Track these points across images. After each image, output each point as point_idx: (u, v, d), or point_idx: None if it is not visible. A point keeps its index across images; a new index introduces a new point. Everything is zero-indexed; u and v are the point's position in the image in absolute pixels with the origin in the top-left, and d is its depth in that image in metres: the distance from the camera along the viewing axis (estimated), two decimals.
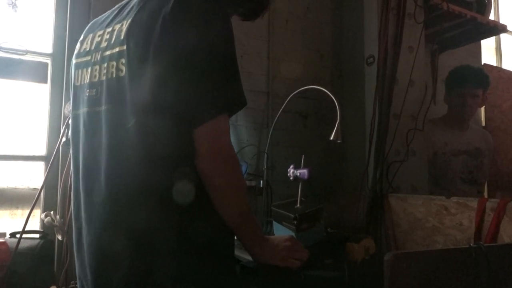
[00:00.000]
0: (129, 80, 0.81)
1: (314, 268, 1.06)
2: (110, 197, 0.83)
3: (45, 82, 1.74)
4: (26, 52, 1.67)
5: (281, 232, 1.27)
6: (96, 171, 0.85)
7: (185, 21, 0.78)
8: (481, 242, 1.05)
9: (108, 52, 0.86)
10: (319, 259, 1.12)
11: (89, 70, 0.91)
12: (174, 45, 0.77)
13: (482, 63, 2.88)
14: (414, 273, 0.90)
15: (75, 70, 0.98)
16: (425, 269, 0.91)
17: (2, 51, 1.63)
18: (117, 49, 0.84)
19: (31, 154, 1.71)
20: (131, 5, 0.89)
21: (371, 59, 2.04)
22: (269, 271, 0.99)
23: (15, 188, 1.67)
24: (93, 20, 1.02)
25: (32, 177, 1.71)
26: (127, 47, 0.82)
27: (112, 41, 0.86)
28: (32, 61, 1.72)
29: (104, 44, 0.89)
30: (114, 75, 0.84)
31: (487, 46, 3.21)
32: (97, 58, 0.89)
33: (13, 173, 1.68)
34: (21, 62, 1.69)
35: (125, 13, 0.89)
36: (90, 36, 0.96)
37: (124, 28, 0.84)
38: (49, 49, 1.75)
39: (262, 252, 0.96)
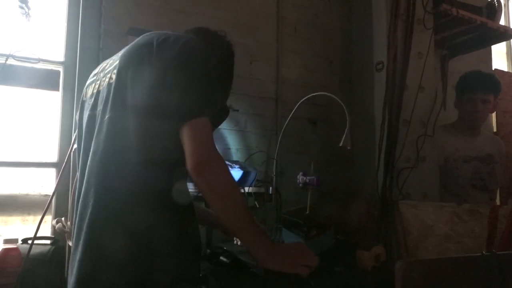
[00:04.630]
0: (114, 85, 0.91)
1: (324, 275, 1.05)
2: (106, 198, 0.86)
3: (57, 89, 1.77)
4: (39, 60, 1.70)
5: (291, 239, 1.27)
6: (96, 174, 0.91)
7: (168, 51, 0.90)
8: (494, 250, 1.03)
9: (108, 69, 0.99)
10: (329, 267, 1.12)
11: (93, 85, 1.04)
12: (160, 61, 0.89)
13: (493, 69, 2.86)
14: (426, 281, 0.89)
15: (85, 89, 1.11)
16: (437, 277, 0.90)
17: (16, 59, 1.66)
18: (114, 64, 0.96)
19: (43, 160, 1.74)
20: (132, 43, 1.01)
21: (380, 65, 2.03)
22: (278, 278, 0.99)
23: (27, 195, 1.69)
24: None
25: (44, 183, 1.72)
26: (119, 61, 0.94)
27: (113, 64, 0.98)
28: (44, 69, 1.75)
29: (107, 67, 1.01)
30: (106, 83, 0.95)
31: (498, 51, 3.19)
32: (100, 76, 1.02)
33: (25, 180, 1.70)
34: (33, 70, 1.72)
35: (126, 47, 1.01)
36: (100, 66, 1.10)
37: (121, 54, 0.98)
38: (61, 57, 1.78)
39: (270, 257, 0.96)
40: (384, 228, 1.77)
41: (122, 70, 0.91)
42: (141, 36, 1.00)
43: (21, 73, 1.69)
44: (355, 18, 2.39)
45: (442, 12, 2.05)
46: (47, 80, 1.76)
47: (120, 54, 0.99)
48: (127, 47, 0.98)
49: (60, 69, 1.78)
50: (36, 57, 1.69)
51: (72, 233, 0.97)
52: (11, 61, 1.64)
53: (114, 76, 0.92)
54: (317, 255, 1.05)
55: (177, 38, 0.92)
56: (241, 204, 0.91)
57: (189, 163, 0.83)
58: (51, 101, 1.77)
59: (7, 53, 1.62)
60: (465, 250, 1.41)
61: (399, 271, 0.86)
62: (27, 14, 1.65)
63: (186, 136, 0.84)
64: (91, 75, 1.12)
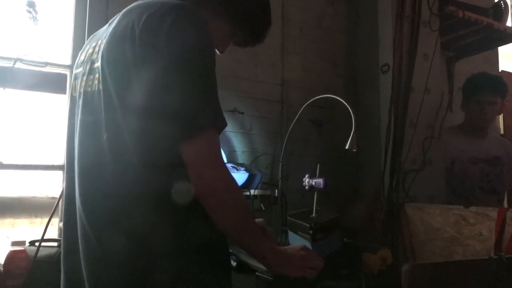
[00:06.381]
0: (103, 93, 0.83)
1: (330, 278, 1.05)
2: (82, 196, 0.86)
3: (64, 92, 1.78)
4: (46, 64, 1.72)
5: (297, 241, 1.27)
6: (95, 177, 0.87)
7: (155, 38, 0.79)
8: (502, 253, 1.02)
9: (95, 64, 0.89)
10: (335, 270, 1.11)
11: (80, 80, 0.94)
12: (144, 62, 0.78)
13: (500, 70, 2.84)
14: (432, 285, 0.89)
15: (73, 80, 1.01)
16: (444, 281, 0.90)
17: (23, 63, 1.67)
18: (99, 62, 0.86)
19: (50, 163, 1.75)
20: (116, 19, 0.91)
21: (386, 67, 2.03)
22: (285, 282, 0.99)
23: (34, 197, 1.70)
24: (95, 32, 1.05)
25: (51, 186, 1.73)
26: (101, 61, 0.85)
27: (98, 54, 0.89)
28: (52, 73, 1.77)
29: (94, 56, 0.91)
30: (96, 88, 0.87)
31: (505, 53, 3.17)
32: (86, 69, 0.92)
33: (32, 182, 1.71)
34: (40, 73, 1.73)
35: (111, 26, 0.91)
36: (87, 47, 0.99)
37: (104, 41, 0.87)
38: (67, 61, 1.79)
39: (276, 262, 0.95)
40: (390, 231, 1.76)
41: (106, 72, 0.83)
42: (121, 15, 0.88)
43: (28, 76, 1.70)
44: (360, 20, 2.39)
45: (448, 13, 2.05)
46: (54, 83, 1.77)
47: (102, 47, 0.86)
48: (109, 34, 0.86)
49: (67, 72, 1.79)
50: (43, 60, 1.71)
51: (67, 236, 0.96)
52: (19, 65, 1.66)
53: (101, 79, 0.84)
54: (324, 258, 1.05)
55: (161, 19, 0.79)
56: (250, 222, 0.89)
57: (194, 186, 0.79)
58: (58, 104, 1.78)
59: (15, 57, 1.64)
60: (472, 253, 1.40)
61: (405, 274, 0.86)
62: (35, 18, 1.67)
63: (189, 154, 0.78)
64: (78, 62, 1.00)
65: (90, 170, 0.87)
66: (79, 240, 0.87)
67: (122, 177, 0.82)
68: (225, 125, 0.85)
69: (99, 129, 0.84)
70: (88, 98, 0.89)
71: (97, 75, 0.87)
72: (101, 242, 0.83)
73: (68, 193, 0.96)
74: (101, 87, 0.84)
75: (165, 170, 0.80)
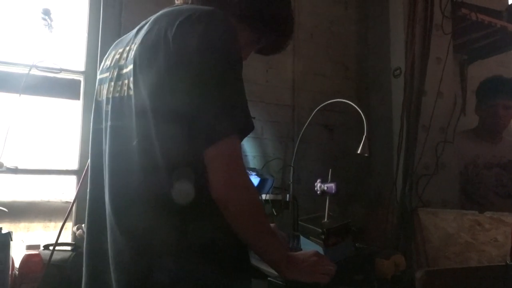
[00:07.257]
0: (134, 99, 0.84)
1: (343, 284, 1.04)
2: (112, 199, 0.87)
3: (78, 98, 1.81)
4: (60, 70, 1.74)
5: (308, 246, 1.26)
6: (125, 181, 0.88)
7: (188, 44, 0.80)
8: None
9: (124, 70, 0.90)
10: (348, 275, 1.11)
11: (107, 86, 0.96)
12: (176, 68, 0.80)
13: None
14: None
15: (98, 85, 1.02)
16: (459, 287, 0.89)
17: (38, 69, 1.70)
18: (129, 68, 0.87)
19: (64, 168, 1.77)
20: (145, 25, 0.92)
21: (398, 71, 2.02)
22: (298, 287, 0.98)
23: (48, 201, 1.72)
24: (120, 38, 1.06)
25: (65, 190, 1.76)
26: (133, 66, 0.85)
27: (127, 60, 0.90)
28: (66, 79, 1.79)
29: (122, 62, 0.93)
30: (125, 93, 0.88)
31: None
32: (114, 75, 0.93)
33: (47, 187, 1.74)
34: (55, 80, 1.76)
35: (140, 33, 0.92)
36: (113, 53, 1.00)
37: (134, 47, 0.88)
38: (81, 67, 1.82)
39: (288, 268, 0.95)
40: (403, 236, 1.74)
41: (139, 77, 0.84)
42: (151, 22, 0.89)
43: (43, 82, 1.73)
44: (371, 24, 2.38)
45: (460, 16, 2.03)
46: (68, 89, 1.80)
47: (132, 53, 0.88)
48: (140, 40, 0.87)
49: (81, 78, 1.82)
50: (58, 67, 1.74)
51: (92, 237, 0.97)
52: (34, 71, 1.68)
53: (131, 85, 0.85)
54: (336, 264, 1.05)
55: (193, 26, 0.81)
56: (265, 228, 0.90)
57: (213, 190, 0.80)
58: (72, 110, 1.81)
59: (31, 63, 1.67)
60: (487, 260, 1.38)
61: (419, 281, 0.85)
62: (50, 26, 1.70)
63: (210, 160, 0.79)
64: (103, 68, 1.01)
65: (120, 174, 0.88)
66: (108, 244, 0.87)
67: (150, 181, 0.83)
68: (251, 129, 0.87)
69: (129, 134, 0.85)
70: (117, 104, 0.91)
71: (126, 81, 0.88)
72: (130, 246, 0.83)
73: (94, 197, 0.97)
74: (131, 92, 0.85)
75: (167, 171, 0.80)
